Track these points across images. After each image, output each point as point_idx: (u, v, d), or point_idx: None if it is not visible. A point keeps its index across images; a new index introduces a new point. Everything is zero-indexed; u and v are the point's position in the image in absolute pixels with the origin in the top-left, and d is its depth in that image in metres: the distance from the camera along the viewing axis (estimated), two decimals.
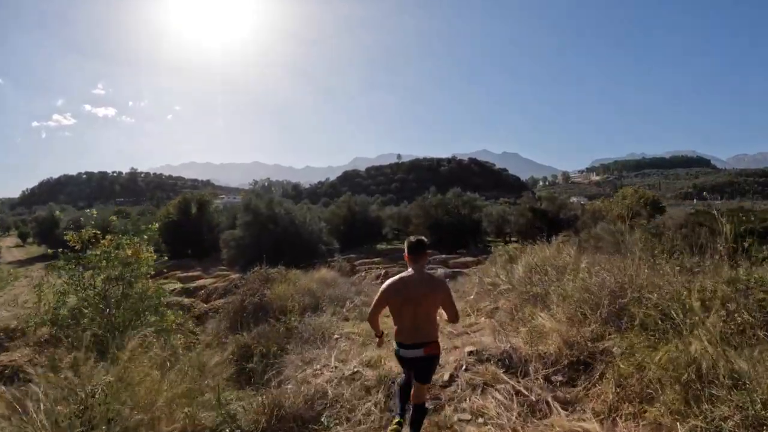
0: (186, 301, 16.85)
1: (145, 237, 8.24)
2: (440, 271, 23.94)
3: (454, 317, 4.07)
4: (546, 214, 48.33)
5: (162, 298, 8.43)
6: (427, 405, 4.34)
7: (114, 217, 9.58)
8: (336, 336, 8.41)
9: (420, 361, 3.91)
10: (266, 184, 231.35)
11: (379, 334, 4.37)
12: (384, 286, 3.94)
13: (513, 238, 60.14)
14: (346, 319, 10.16)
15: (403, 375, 4.31)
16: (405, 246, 4.04)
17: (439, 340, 4.14)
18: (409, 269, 3.99)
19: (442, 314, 4.20)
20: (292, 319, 9.23)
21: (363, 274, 24.74)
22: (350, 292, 13.08)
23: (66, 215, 56.65)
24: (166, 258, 46.33)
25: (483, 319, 8.63)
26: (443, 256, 34.81)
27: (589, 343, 5.07)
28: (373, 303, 4.05)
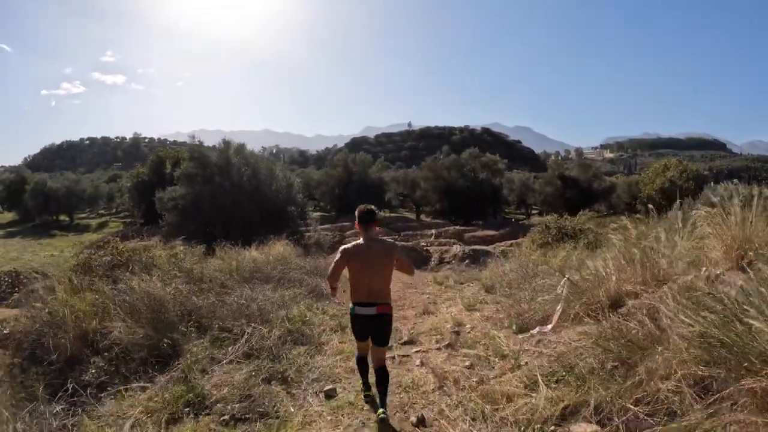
0: None
1: None
2: (456, 249, 17.47)
3: (409, 270, 4.39)
4: (577, 183, 41.50)
5: None
6: (388, 367, 4.25)
7: None
8: None
9: (374, 320, 3.98)
10: (274, 150, 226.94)
11: (334, 287, 4.24)
12: (341, 250, 4.08)
13: (534, 210, 53.55)
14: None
15: (357, 353, 4.38)
16: (356, 215, 4.14)
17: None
18: (361, 238, 4.12)
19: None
20: None
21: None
22: (275, 304, 6.58)
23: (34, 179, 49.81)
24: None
25: None
26: (457, 227, 28.16)
27: None
28: (332, 266, 4.08)
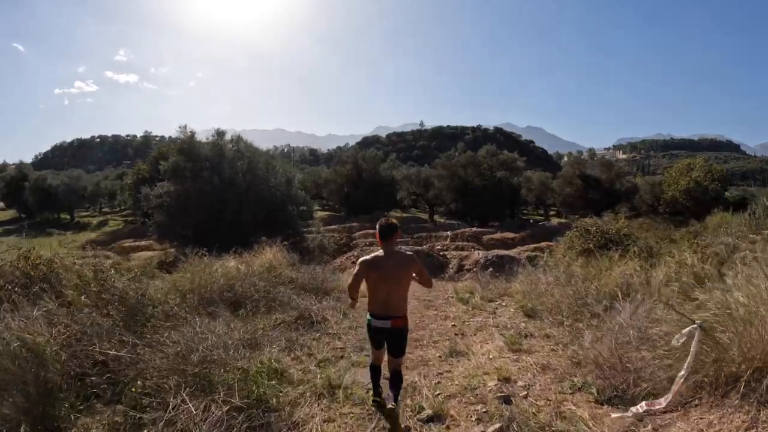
0: None
1: None
2: (477, 255, 15.43)
3: (427, 283, 4.10)
4: (599, 183, 39.07)
5: None
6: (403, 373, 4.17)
7: None
8: None
9: (388, 333, 3.91)
10: (286, 149, 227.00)
11: (354, 298, 4.16)
12: (360, 261, 3.96)
13: (551, 211, 51.08)
14: None
15: (371, 358, 4.17)
16: (377, 228, 4.05)
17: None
18: (381, 250, 4.01)
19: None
20: None
21: (355, 254, 16.27)
22: None
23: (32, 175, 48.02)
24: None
25: None
26: (474, 229, 26.07)
27: None
28: (352, 277, 4.00)
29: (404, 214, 38.66)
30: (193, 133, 16.41)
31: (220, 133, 16.43)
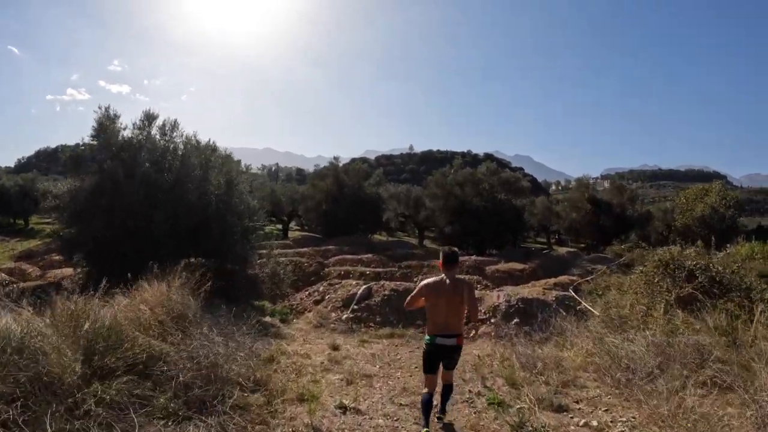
0: None
1: None
2: (496, 298, 11.00)
3: (475, 315, 4.60)
4: (610, 207, 34.92)
5: None
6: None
7: None
8: None
9: (450, 350, 4.30)
10: (273, 168, 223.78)
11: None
12: (422, 284, 4.39)
13: (553, 239, 46.81)
14: None
15: (425, 392, 4.38)
16: (440, 255, 4.44)
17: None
18: (442, 275, 4.34)
19: None
20: None
21: (320, 289, 11.76)
22: None
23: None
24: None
25: None
26: (474, 258, 21.66)
27: None
28: (411, 295, 4.45)
29: (390, 238, 34.05)
30: (114, 116, 11.88)
31: (148, 116, 11.98)
